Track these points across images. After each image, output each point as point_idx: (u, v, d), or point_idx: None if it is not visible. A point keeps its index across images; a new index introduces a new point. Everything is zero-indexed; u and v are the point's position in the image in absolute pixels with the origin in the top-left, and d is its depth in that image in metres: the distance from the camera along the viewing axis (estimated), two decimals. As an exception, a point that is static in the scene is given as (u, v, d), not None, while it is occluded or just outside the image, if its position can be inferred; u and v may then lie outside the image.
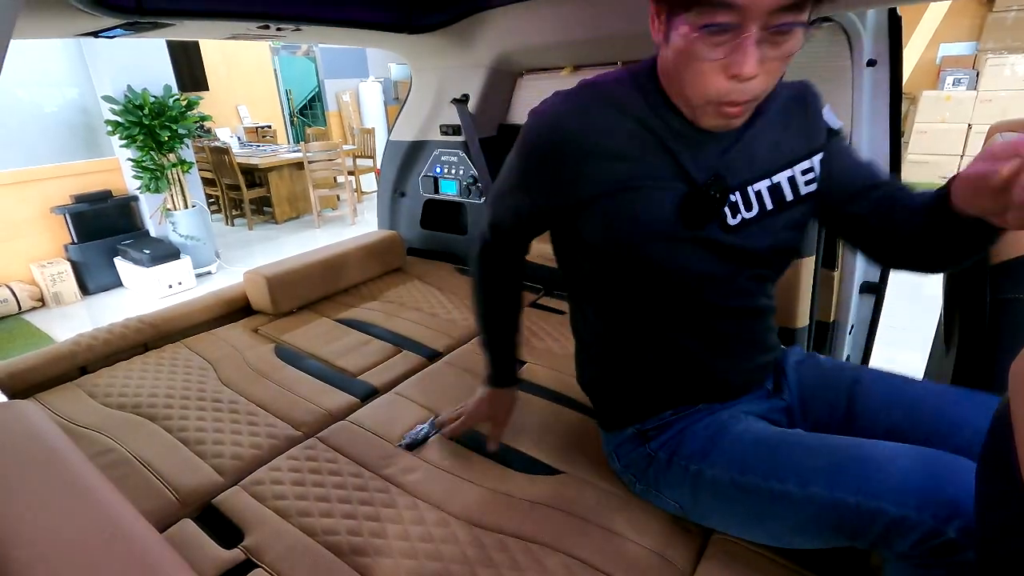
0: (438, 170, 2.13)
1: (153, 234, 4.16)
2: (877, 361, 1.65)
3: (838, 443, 0.76)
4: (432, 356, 1.52)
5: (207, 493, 1.05)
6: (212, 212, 5.46)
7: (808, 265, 1.57)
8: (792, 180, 0.82)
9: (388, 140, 2.25)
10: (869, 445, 0.74)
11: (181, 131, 3.89)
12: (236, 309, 1.77)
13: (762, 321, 0.92)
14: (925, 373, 1.31)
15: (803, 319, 1.63)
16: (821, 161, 0.83)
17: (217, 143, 5.32)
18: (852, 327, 1.80)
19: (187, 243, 4.11)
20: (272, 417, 1.26)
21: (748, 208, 0.80)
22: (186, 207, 4.13)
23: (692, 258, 0.80)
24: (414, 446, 1.16)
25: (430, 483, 1.06)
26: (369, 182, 6.31)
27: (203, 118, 4.12)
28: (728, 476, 0.82)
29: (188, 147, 4.15)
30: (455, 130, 1.99)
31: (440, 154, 2.12)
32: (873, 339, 1.84)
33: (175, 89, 3.96)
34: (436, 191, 2.16)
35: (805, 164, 0.82)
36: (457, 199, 2.12)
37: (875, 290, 1.79)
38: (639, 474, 0.96)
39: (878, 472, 0.69)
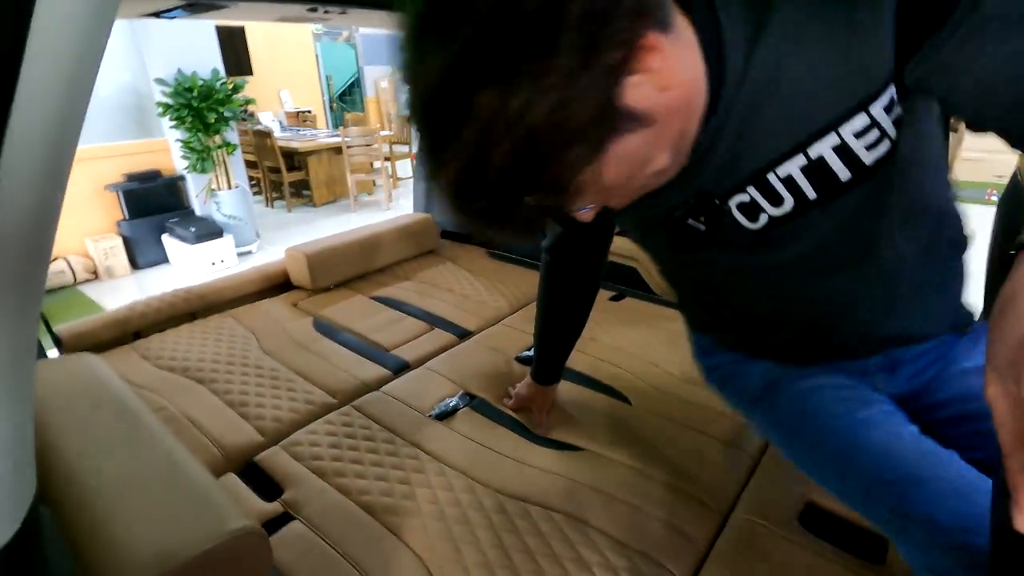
0: (473, 155, 2.16)
1: (198, 213, 4.32)
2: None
3: (894, 446, 0.63)
4: (463, 335, 1.57)
5: (249, 451, 1.12)
6: (253, 194, 5.63)
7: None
8: (843, 150, 0.51)
9: (425, 124, 2.29)
10: (928, 463, 0.61)
11: (227, 114, 4.02)
12: (277, 284, 1.85)
13: (870, 293, 0.64)
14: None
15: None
16: (899, 99, 0.49)
17: (259, 127, 5.47)
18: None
19: (229, 223, 4.26)
20: (310, 385, 1.32)
21: (775, 202, 0.56)
22: (229, 188, 4.28)
23: (719, 273, 0.69)
24: (443, 417, 1.21)
25: (458, 452, 1.10)
26: (405, 168, 6.40)
27: (248, 101, 4.26)
28: (776, 436, 0.75)
29: (233, 129, 4.29)
30: (491, 115, 2.01)
31: (476, 139, 2.15)
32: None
33: (222, 73, 4.10)
34: (471, 175, 2.19)
35: (858, 121, 0.49)
36: (491, 184, 2.15)
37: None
38: (705, 375, 0.90)
39: (919, 498, 0.59)
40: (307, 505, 0.98)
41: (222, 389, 1.30)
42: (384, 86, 8.12)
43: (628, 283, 1.85)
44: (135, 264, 4.11)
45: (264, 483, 1.05)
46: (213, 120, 3.95)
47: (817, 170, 0.53)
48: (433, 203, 2.34)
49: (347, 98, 8.32)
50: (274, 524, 0.95)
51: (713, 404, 1.22)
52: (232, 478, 1.05)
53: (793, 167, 0.53)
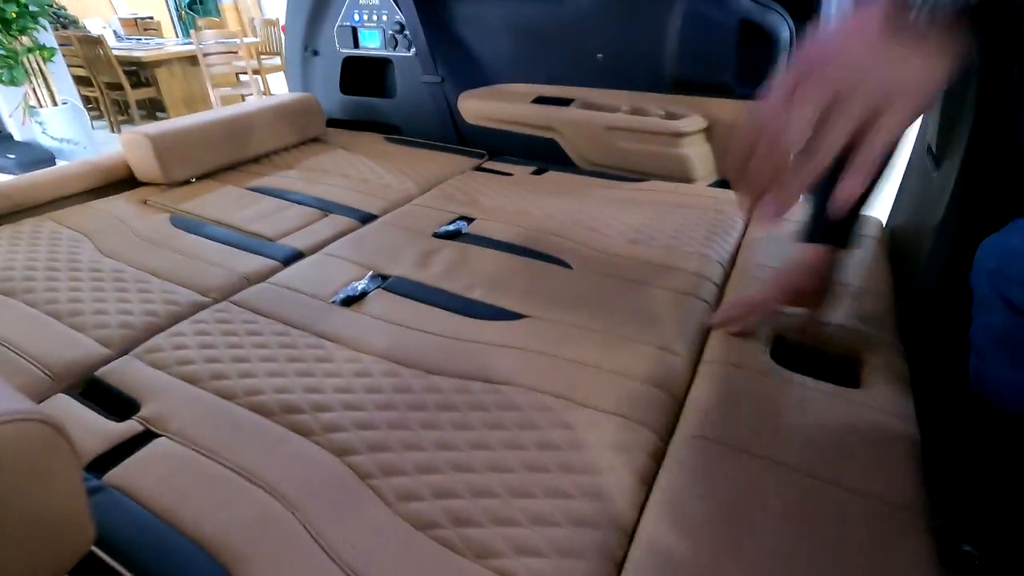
0: (356, 18, 1.80)
1: (17, 137, 3.52)
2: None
3: None
4: (366, 219, 1.31)
5: (88, 366, 0.84)
6: (93, 118, 4.71)
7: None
8: None
9: (292, -17, 1.87)
10: None
11: (32, 7, 3.20)
12: (118, 180, 1.46)
13: None
14: (895, 204, 1.25)
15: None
16: None
17: (87, 33, 4.50)
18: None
19: (62, 147, 3.52)
20: (170, 284, 1.03)
21: None
22: (55, 104, 3.50)
23: None
24: (351, 302, 0.98)
25: (373, 336, 0.89)
26: (279, 83, 5.64)
27: (60, -10, 3.41)
28: None
29: (47, 30, 3.45)
30: (373, -37, 1.67)
31: (357, -3, 1.79)
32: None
33: (16, -49, 3.21)
34: (356, 45, 1.84)
35: None
36: (382, 53, 1.82)
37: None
38: None
39: None
40: (175, 417, 0.74)
41: (43, 299, 0.97)
42: (243, -11, 7.01)
43: (547, 158, 1.66)
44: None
45: (112, 401, 0.78)
46: (14, 15, 3.13)
47: None
48: (315, 82, 1.97)
49: (198, 6, 7.12)
50: (130, 446, 0.70)
51: (663, 259, 1.10)
52: (62, 399, 0.77)
53: None
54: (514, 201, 1.37)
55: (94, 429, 0.72)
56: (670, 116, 1.52)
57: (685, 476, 0.64)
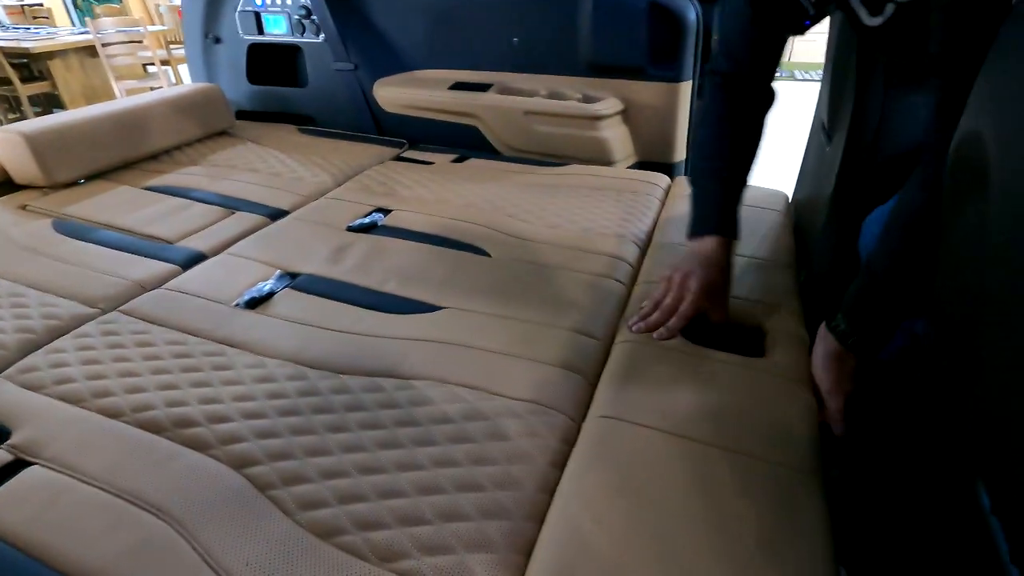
0: (259, 1, 1.70)
1: None
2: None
3: None
4: (275, 215, 1.25)
5: (-51, 393, 0.75)
6: (-22, 117, 4.27)
7: (685, 91, 1.48)
8: None
9: (185, -35, 1.75)
10: None
11: None
12: (-9, 185, 1.32)
13: None
14: (799, 179, 1.31)
15: (680, 153, 1.58)
16: None
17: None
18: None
19: (-60, 150, 3.17)
20: (50, 296, 0.94)
21: None
22: (-72, 102, 3.14)
23: None
24: (256, 304, 0.93)
25: (280, 338, 0.85)
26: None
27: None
28: None
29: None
30: (273, -58, 1.57)
31: (259, -21, 1.69)
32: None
33: None
34: (260, 31, 1.74)
35: None
36: (290, 40, 1.73)
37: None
38: None
39: None
40: (52, 443, 0.67)
41: None
42: (147, -26, 6.52)
43: (469, 144, 1.64)
44: None
45: (-24, 431, 0.70)
46: None
47: None
48: (220, 72, 1.85)
49: (98, -8, 6.56)
50: (-2, 479, 0.63)
51: (580, 242, 1.10)
52: (-89, 435, 0.69)
53: None
54: (433, 190, 1.34)
55: (-48, 464, 0.64)
56: (587, 99, 1.52)
57: (594, 457, 0.64)
